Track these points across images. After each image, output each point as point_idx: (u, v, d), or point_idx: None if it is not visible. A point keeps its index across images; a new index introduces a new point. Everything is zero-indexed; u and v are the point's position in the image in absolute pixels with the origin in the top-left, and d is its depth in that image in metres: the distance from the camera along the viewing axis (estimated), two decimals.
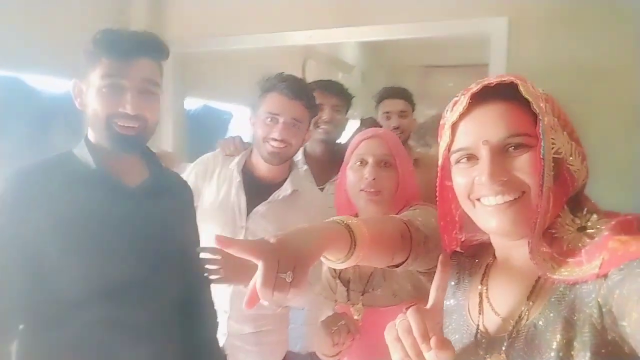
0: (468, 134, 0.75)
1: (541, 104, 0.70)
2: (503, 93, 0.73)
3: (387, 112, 2.32)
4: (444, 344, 0.66)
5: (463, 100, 0.75)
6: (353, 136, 2.27)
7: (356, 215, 1.37)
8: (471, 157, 0.75)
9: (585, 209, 0.74)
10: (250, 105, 1.64)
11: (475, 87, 0.75)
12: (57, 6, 2.27)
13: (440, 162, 0.82)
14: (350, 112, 2.21)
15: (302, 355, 1.84)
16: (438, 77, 6.09)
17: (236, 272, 1.30)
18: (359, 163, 1.31)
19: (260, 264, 0.62)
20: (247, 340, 1.55)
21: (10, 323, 1.05)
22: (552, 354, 0.64)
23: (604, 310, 0.61)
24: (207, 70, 2.95)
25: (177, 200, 1.28)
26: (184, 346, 1.22)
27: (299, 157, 1.98)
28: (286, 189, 1.57)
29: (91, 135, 1.16)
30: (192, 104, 3.26)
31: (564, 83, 2.02)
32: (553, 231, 0.72)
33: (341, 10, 2.46)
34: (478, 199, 0.75)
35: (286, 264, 0.63)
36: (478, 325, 0.78)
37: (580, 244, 0.69)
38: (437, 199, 0.86)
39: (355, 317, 1.29)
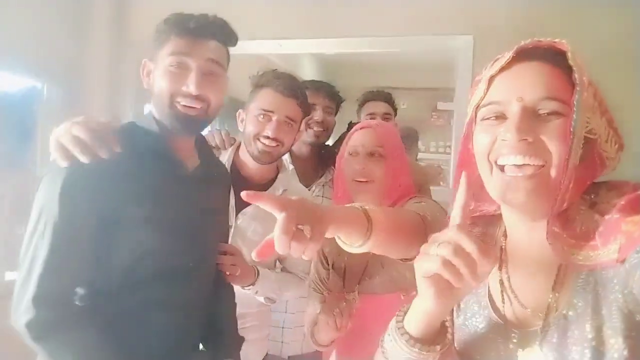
0: (503, 88, 0.71)
1: (584, 78, 0.68)
2: (548, 57, 0.70)
3: (372, 114, 2.32)
4: (489, 251, 0.62)
5: (507, 55, 0.72)
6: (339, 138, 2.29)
7: None
8: (500, 116, 0.71)
9: (593, 182, 0.72)
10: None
11: (523, 43, 0.71)
12: (16, 3, 2.16)
13: (467, 118, 0.78)
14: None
15: (282, 359, 1.81)
16: (402, 99, 6.24)
17: (247, 273, 1.36)
18: (350, 154, 1.35)
19: (280, 215, 0.66)
20: None
21: (70, 297, 1.01)
22: (586, 344, 0.63)
23: (625, 292, 0.61)
24: None
25: (222, 188, 1.32)
26: (210, 324, 1.27)
27: (285, 156, 1.95)
28: (277, 188, 1.55)
29: (155, 113, 1.16)
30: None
31: None
32: (566, 212, 0.69)
33: (311, 23, 2.47)
34: (496, 161, 0.71)
35: (306, 217, 0.67)
36: (505, 317, 0.75)
37: (593, 224, 0.67)
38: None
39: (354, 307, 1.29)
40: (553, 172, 0.67)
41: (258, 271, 1.43)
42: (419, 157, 4.31)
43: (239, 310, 1.39)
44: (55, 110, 2.37)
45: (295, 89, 1.48)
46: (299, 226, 0.67)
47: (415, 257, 0.78)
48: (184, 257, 1.14)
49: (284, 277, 1.55)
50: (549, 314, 0.69)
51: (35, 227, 0.99)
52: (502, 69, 0.72)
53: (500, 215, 0.80)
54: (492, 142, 0.71)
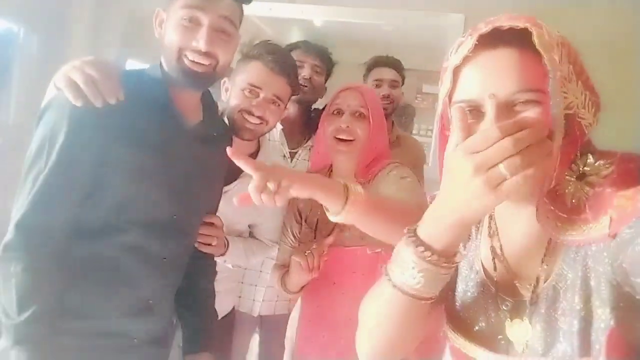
0: (473, 84, 0.68)
1: (555, 56, 0.64)
2: (514, 39, 0.65)
3: (379, 80, 2.25)
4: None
5: (469, 42, 0.67)
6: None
7: (330, 168, 1.49)
8: (474, 110, 0.68)
9: (579, 152, 0.69)
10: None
11: (484, 28, 0.66)
12: None
13: (439, 109, 0.76)
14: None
15: (251, 317, 1.81)
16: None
17: (221, 244, 1.36)
18: (335, 112, 1.41)
19: (255, 174, 0.85)
20: None
21: (57, 232, 1.02)
22: (574, 314, 0.63)
23: (615, 265, 0.61)
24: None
25: (221, 148, 1.25)
26: (188, 286, 1.29)
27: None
28: None
29: (164, 63, 1.15)
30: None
31: None
32: (556, 188, 0.67)
33: None
34: None
35: (274, 178, 0.85)
36: (497, 286, 0.74)
37: (583, 196, 0.65)
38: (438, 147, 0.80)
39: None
40: None
41: (228, 242, 1.43)
42: None
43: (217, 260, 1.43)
44: (32, 57, 2.29)
45: (287, 67, 1.41)
46: (268, 184, 0.85)
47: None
48: (169, 208, 1.15)
49: (251, 244, 1.56)
50: (538, 286, 0.69)
51: (37, 156, 1.00)
52: (466, 59, 0.67)
53: None
54: None
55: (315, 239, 1.42)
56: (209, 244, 1.30)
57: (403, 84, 2.34)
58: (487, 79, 0.66)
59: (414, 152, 2.23)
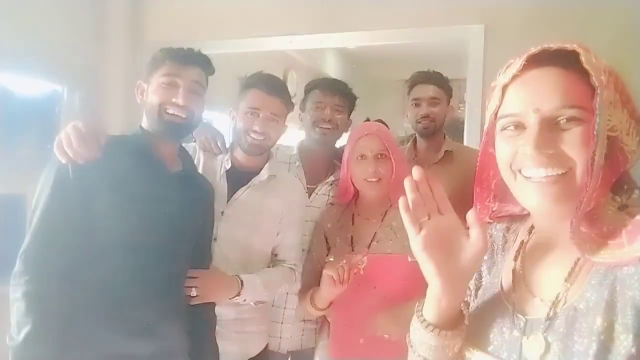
0: (519, 99, 0.70)
1: (602, 77, 0.65)
2: (562, 61, 0.68)
3: (416, 99, 2.15)
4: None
5: (518, 62, 0.70)
6: None
7: (355, 198, 1.66)
8: (519, 126, 0.70)
9: (626, 186, 0.70)
10: (230, 111, 1.72)
11: (533, 49, 0.69)
12: (36, 7, 2.25)
13: (486, 126, 0.77)
14: None
15: (281, 355, 1.81)
16: None
17: (210, 291, 1.46)
18: (360, 157, 1.57)
19: None
20: (227, 327, 1.57)
21: (53, 262, 1.20)
22: (594, 337, 0.62)
23: None
24: None
25: (202, 193, 1.51)
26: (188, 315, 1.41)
27: (294, 151, 1.96)
28: (263, 174, 1.65)
29: (145, 124, 1.40)
30: None
31: None
32: (593, 211, 0.68)
33: (321, 17, 2.49)
34: (519, 171, 0.70)
35: None
36: (514, 304, 0.74)
37: (621, 224, 0.66)
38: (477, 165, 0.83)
39: (358, 266, 1.48)
40: (578, 177, 0.66)
41: (241, 281, 1.50)
42: None
43: (237, 306, 1.51)
44: (75, 112, 2.46)
45: (278, 88, 1.64)
46: None
47: None
48: (157, 237, 1.31)
49: (271, 276, 1.59)
50: (558, 304, 0.68)
51: (34, 208, 1.22)
52: (514, 77, 0.71)
53: (528, 214, 0.81)
54: (513, 153, 0.71)
55: (353, 251, 1.54)
56: (190, 295, 1.41)
57: (450, 96, 2.21)
58: (532, 94, 0.69)
59: (467, 164, 2.11)
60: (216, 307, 1.53)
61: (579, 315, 0.65)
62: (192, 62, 1.39)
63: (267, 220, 1.61)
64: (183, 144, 1.59)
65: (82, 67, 2.49)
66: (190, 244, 1.43)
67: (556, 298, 0.68)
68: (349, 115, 2.00)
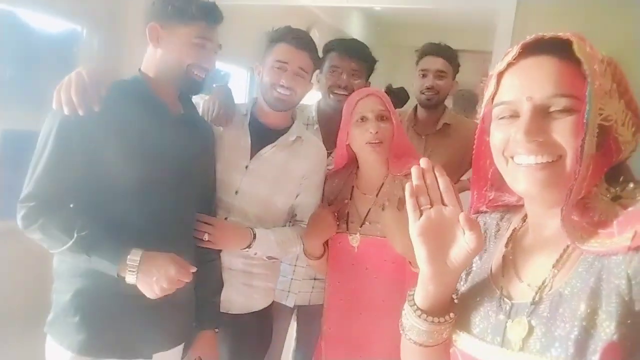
0: (513, 87, 0.71)
1: (596, 66, 0.66)
2: (557, 49, 0.68)
3: (424, 70, 2.17)
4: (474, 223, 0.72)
5: (514, 50, 0.71)
6: None
7: (356, 167, 1.59)
8: (513, 115, 0.71)
9: (622, 178, 0.70)
10: (249, 67, 1.71)
11: (528, 38, 0.71)
12: None
13: (481, 113, 0.78)
14: None
15: (287, 308, 1.84)
16: None
17: (222, 239, 1.48)
18: (360, 120, 1.50)
19: None
20: (235, 277, 1.59)
21: (64, 198, 1.24)
22: (576, 322, 0.63)
23: (633, 282, 0.60)
24: None
25: (203, 137, 1.52)
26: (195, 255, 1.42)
27: (312, 112, 1.96)
28: (292, 134, 1.64)
29: (148, 69, 1.38)
30: None
31: None
32: (586, 200, 0.69)
33: None
34: (512, 157, 0.71)
35: None
36: (502, 289, 0.76)
37: (613, 214, 0.66)
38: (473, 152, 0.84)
39: (353, 245, 1.48)
40: (568, 164, 0.67)
41: (254, 233, 1.50)
42: None
43: (247, 259, 1.55)
44: (94, 54, 2.45)
45: (307, 43, 1.59)
46: None
47: None
48: (163, 178, 1.33)
49: (286, 235, 1.59)
50: (544, 289, 0.70)
51: (38, 154, 1.22)
52: (509, 65, 0.72)
53: (523, 205, 0.82)
54: (506, 140, 0.72)
55: (347, 230, 1.50)
56: (201, 239, 1.45)
57: (457, 72, 2.22)
58: (526, 82, 0.70)
59: (465, 137, 2.12)
60: (226, 257, 1.56)
61: (564, 300, 0.66)
62: (217, 20, 1.38)
63: (289, 180, 1.60)
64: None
65: (102, 9, 2.46)
66: (195, 187, 1.44)
67: (542, 283, 0.70)
68: (367, 78, 1.96)
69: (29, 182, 1.21)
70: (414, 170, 0.76)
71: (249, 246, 1.49)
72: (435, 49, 2.19)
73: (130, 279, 1.18)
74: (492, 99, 0.75)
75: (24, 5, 2.19)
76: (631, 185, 0.69)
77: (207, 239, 1.44)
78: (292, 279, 1.82)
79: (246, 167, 1.58)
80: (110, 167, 1.25)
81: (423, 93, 2.16)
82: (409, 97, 2.43)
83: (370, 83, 1.99)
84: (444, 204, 0.75)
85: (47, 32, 2.36)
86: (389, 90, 2.54)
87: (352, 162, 1.61)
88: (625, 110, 0.69)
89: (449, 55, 2.18)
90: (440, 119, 2.17)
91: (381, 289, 1.44)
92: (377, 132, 1.46)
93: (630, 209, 0.65)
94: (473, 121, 2.43)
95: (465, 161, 2.02)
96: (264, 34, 1.65)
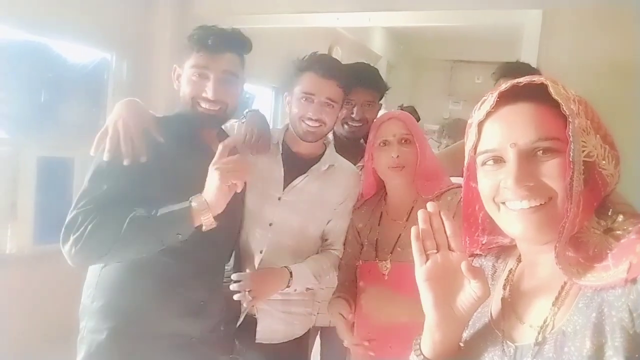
0: (495, 135, 0.73)
1: (572, 106, 0.67)
2: (533, 94, 0.70)
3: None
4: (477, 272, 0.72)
5: (491, 99, 0.73)
6: None
7: (384, 192, 1.55)
8: (498, 160, 0.72)
9: (611, 210, 0.71)
10: (273, 87, 1.68)
11: (504, 86, 0.73)
12: None
13: (466, 162, 0.80)
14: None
15: (312, 329, 1.81)
16: (465, 73, 6.01)
17: (263, 291, 1.44)
18: (382, 144, 1.47)
19: None
20: (274, 306, 1.57)
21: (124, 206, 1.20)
22: None
23: (634, 315, 0.59)
24: None
25: None
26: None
27: (330, 136, 1.87)
28: (324, 163, 1.60)
29: (183, 108, 1.39)
30: None
31: (597, 82, 1.96)
32: (578, 235, 0.69)
33: None
34: (503, 203, 0.72)
35: None
36: (503, 332, 0.75)
37: (606, 247, 0.66)
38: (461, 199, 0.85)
39: (383, 272, 1.43)
40: (559, 204, 0.68)
41: (291, 272, 1.48)
42: None
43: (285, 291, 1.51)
44: (123, 80, 2.52)
45: (334, 70, 1.51)
46: None
47: None
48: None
49: (320, 264, 1.56)
50: (546, 328, 0.69)
51: (86, 187, 1.22)
52: (489, 114, 0.74)
53: (516, 245, 0.82)
54: (495, 187, 0.73)
55: (376, 257, 1.46)
56: (241, 298, 1.39)
57: None
58: (508, 129, 0.72)
59: (452, 161, 2.07)
60: None
61: (567, 339, 0.65)
62: (222, 49, 1.33)
63: (323, 208, 1.58)
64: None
65: (130, 37, 2.53)
66: (233, 226, 1.43)
67: (544, 322, 0.69)
68: (379, 100, 1.96)
69: (78, 217, 1.18)
70: (420, 214, 0.77)
71: (288, 285, 1.47)
72: (513, 70, 1.88)
73: (206, 219, 1.18)
74: (475, 147, 0.76)
75: (58, 37, 2.27)
76: (621, 217, 0.69)
77: (250, 298, 1.39)
78: (313, 300, 1.81)
79: (279, 198, 1.55)
80: (153, 204, 1.21)
81: None
82: (419, 118, 2.39)
83: (381, 105, 1.99)
84: (450, 249, 0.75)
85: (78, 61, 2.44)
86: (400, 110, 2.53)
87: (381, 189, 1.58)
88: (603, 144, 0.70)
89: (530, 74, 2.00)
90: None
91: (414, 315, 1.38)
92: (398, 157, 1.43)
93: (623, 240, 0.65)
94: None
95: None
96: (290, 61, 1.59)
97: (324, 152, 1.63)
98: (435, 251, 0.76)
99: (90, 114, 2.44)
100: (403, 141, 1.45)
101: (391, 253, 1.45)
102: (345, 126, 1.87)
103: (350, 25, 2.59)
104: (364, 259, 1.51)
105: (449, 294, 0.74)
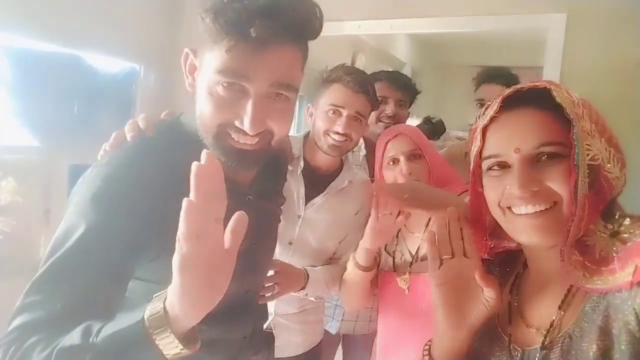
0: (499, 140, 0.74)
1: (576, 110, 0.68)
2: (537, 99, 0.71)
3: (481, 100, 2.10)
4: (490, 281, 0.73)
5: (494, 105, 0.74)
6: None
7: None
8: (503, 165, 0.74)
9: (617, 214, 0.72)
10: (298, 96, 1.61)
11: (507, 91, 0.74)
12: None
13: (471, 167, 0.80)
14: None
15: (330, 335, 1.84)
16: None
17: (285, 285, 1.39)
18: (391, 163, 1.41)
19: None
20: (292, 319, 1.58)
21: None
22: None
23: None
24: None
25: (273, 198, 1.23)
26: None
27: (360, 141, 1.93)
28: (343, 180, 1.57)
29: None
30: None
31: (621, 86, 1.93)
32: (585, 239, 0.70)
33: (392, 2, 2.43)
34: (508, 207, 0.73)
35: None
36: (510, 336, 0.76)
37: (613, 250, 0.66)
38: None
39: (402, 287, 1.36)
40: (564, 208, 0.68)
41: (308, 275, 1.46)
42: None
43: (300, 301, 1.52)
44: (151, 91, 2.59)
45: (365, 85, 1.47)
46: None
47: None
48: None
49: (331, 273, 1.54)
50: (552, 332, 0.69)
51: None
52: (493, 119, 0.74)
53: (522, 249, 0.83)
54: (501, 192, 0.73)
55: (394, 270, 1.41)
56: (269, 294, 1.35)
57: None
58: (511, 135, 0.73)
59: (455, 161, 2.06)
60: (281, 304, 1.53)
61: (574, 343, 0.65)
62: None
63: (342, 223, 1.55)
64: None
65: (158, 48, 2.60)
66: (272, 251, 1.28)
67: (550, 326, 0.69)
68: (409, 107, 1.98)
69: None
70: (438, 219, 0.78)
71: (303, 287, 1.44)
72: (493, 75, 2.07)
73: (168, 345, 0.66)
74: (480, 152, 0.77)
75: (89, 49, 2.35)
76: (627, 220, 0.69)
77: (277, 291, 1.35)
78: (336, 305, 1.82)
79: (299, 216, 1.52)
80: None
81: None
82: (445, 129, 2.39)
83: (409, 113, 2.00)
84: (465, 256, 0.76)
85: (108, 71, 2.52)
86: (428, 122, 2.53)
87: None
88: (608, 147, 0.71)
89: (511, 79, 2.04)
90: None
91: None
92: (410, 174, 1.37)
93: (629, 244, 0.65)
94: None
95: None
96: (316, 71, 1.52)
97: (340, 167, 1.60)
98: (450, 257, 0.76)
99: (118, 122, 2.51)
100: (412, 157, 1.39)
101: (410, 266, 1.39)
102: (380, 123, 1.89)
103: (372, 33, 2.59)
104: (384, 267, 1.45)
105: (460, 301, 0.75)
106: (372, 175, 1.88)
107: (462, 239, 0.78)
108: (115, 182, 0.84)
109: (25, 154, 2.17)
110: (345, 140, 1.46)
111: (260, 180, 1.05)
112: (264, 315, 1.44)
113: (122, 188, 0.83)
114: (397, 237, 1.45)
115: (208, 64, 0.83)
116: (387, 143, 1.42)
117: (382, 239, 1.32)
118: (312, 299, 1.57)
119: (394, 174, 1.39)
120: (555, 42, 2.14)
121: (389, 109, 1.89)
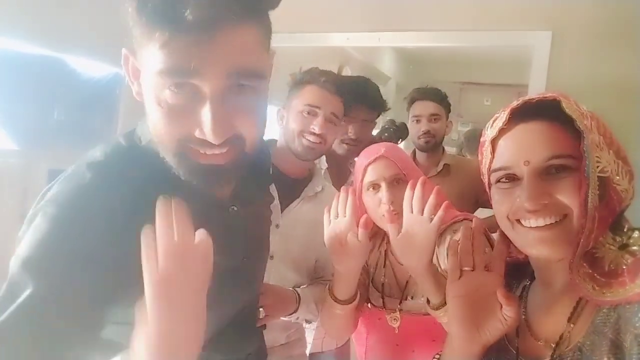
0: (509, 153, 0.73)
1: (585, 122, 0.68)
2: (545, 111, 0.71)
3: (417, 116, 2.23)
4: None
5: (503, 116, 0.74)
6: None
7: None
8: (512, 177, 0.73)
9: (626, 227, 0.71)
10: (280, 105, 1.54)
11: (516, 103, 0.73)
12: None
13: (485, 180, 0.80)
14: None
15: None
16: (474, 95, 6.02)
17: (276, 309, 1.30)
18: (372, 189, 1.24)
19: None
20: (280, 352, 1.49)
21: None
22: None
23: None
24: None
25: (258, 205, 1.11)
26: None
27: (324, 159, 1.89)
28: (316, 185, 1.51)
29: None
30: None
31: (606, 103, 1.96)
32: (594, 251, 0.69)
33: (380, 15, 2.45)
34: (517, 220, 0.72)
35: None
36: (517, 349, 0.75)
37: (622, 263, 0.66)
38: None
39: (392, 325, 1.26)
40: (574, 220, 0.68)
41: (299, 296, 1.35)
42: None
43: (284, 323, 1.42)
44: (134, 95, 2.55)
45: (341, 87, 1.46)
46: None
47: None
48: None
49: (318, 292, 1.40)
50: (561, 345, 0.68)
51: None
52: (502, 132, 0.74)
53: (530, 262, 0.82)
54: (509, 204, 0.72)
55: (384, 306, 1.28)
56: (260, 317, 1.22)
57: (449, 111, 2.29)
58: (521, 148, 0.72)
59: (467, 175, 2.11)
60: (268, 333, 1.34)
61: (584, 356, 0.64)
62: None
63: (319, 231, 1.36)
64: None
65: None
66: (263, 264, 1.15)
67: (560, 339, 0.68)
68: (377, 118, 1.96)
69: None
70: (464, 230, 0.77)
71: (295, 310, 1.34)
72: (424, 93, 2.24)
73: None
74: (489, 166, 0.77)
75: (71, 52, 2.31)
76: (637, 233, 0.69)
77: (262, 316, 1.21)
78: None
79: (277, 225, 1.41)
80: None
81: (420, 138, 2.21)
82: (408, 134, 2.43)
83: (376, 123, 1.99)
84: (487, 269, 0.75)
85: (92, 76, 2.48)
86: (392, 124, 2.54)
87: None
88: (616, 160, 0.70)
89: (440, 98, 2.23)
90: (440, 161, 2.22)
91: None
92: (393, 202, 1.19)
93: (639, 256, 0.65)
94: (473, 159, 2.47)
95: (471, 200, 2.02)
96: (288, 74, 1.51)
97: (310, 174, 1.54)
98: (470, 269, 0.75)
99: (101, 127, 2.47)
100: (396, 182, 1.22)
101: (400, 303, 1.27)
102: (344, 145, 1.86)
103: (360, 45, 2.60)
104: (372, 302, 1.31)
105: (477, 315, 0.73)
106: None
107: (486, 252, 0.76)
108: (64, 226, 0.69)
109: (3, 157, 2.11)
110: (320, 142, 1.42)
111: (243, 185, 0.90)
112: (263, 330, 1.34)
113: (71, 234, 0.68)
114: (384, 264, 1.33)
115: (147, 67, 0.68)
116: (366, 168, 1.25)
117: (348, 257, 1.15)
118: (303, 323, 1.49)
119: (375, 202, 1.23)
120: (540, 60, 2.18)
121: (351, 130, 1.83)
